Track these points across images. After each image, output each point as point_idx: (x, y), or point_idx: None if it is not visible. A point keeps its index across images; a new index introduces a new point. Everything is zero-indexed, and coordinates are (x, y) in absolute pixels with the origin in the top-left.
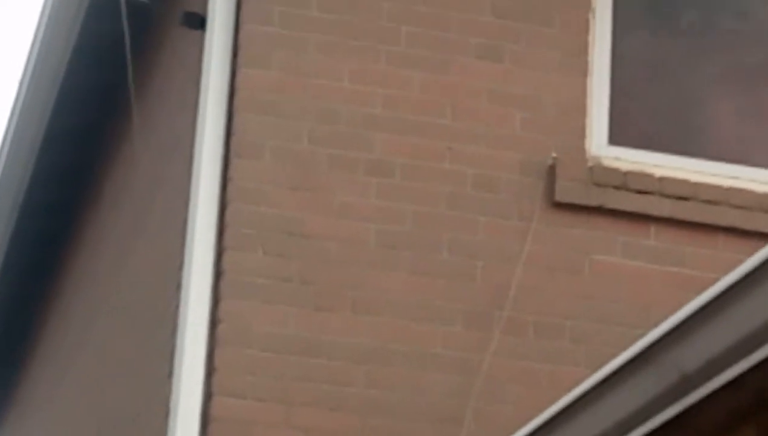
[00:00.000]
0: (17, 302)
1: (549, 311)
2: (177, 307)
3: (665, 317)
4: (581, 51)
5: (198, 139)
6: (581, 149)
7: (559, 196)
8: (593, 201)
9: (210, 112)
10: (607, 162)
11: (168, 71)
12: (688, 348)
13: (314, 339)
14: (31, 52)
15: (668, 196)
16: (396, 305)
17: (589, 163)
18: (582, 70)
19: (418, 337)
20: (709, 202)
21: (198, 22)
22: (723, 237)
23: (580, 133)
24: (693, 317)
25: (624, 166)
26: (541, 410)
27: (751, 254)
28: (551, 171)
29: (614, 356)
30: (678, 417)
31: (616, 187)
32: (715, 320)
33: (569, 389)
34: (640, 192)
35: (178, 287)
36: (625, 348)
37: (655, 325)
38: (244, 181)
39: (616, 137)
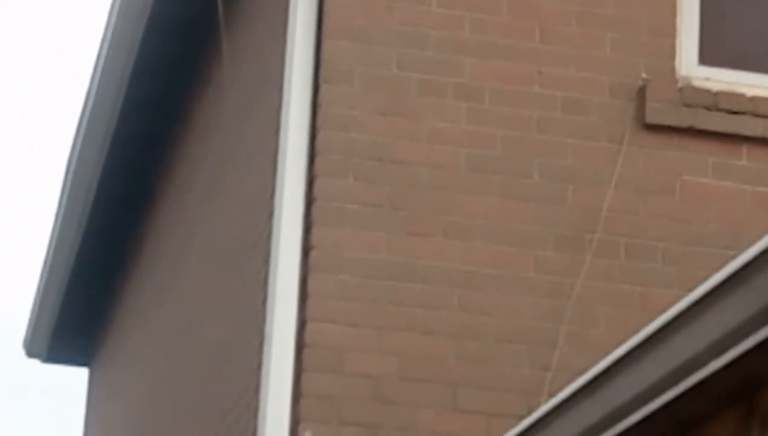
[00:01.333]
0: (110, 232)
1: (640, 233)
2: (269, 235)
3: (757, 238)
4: None
5: (287, 67)
6: (671, 70)
7: (650, 118)
8: (684, 122)
9: (298, 39)
10: (698, 82)
11: (256, 1)
12: None
13: (406, 264)
14: None
15: (760, 116)
16: (487, 230)
17: (680, 84)
18: None
19: (510, 261)
20: None
21: None
22: None
23: (670, 53)
24: None
25: (714, 87)
26: (633, 332)
27: None
28: (641, 93)
29: (706, 277)
30: None
31: (707, 108)
32: None
33: (661, 311)
34: (731, 112)
35: (270, 214)
36: (717, 269)
37: (747, 246)
38: (333, 107)
39: (706, 57)
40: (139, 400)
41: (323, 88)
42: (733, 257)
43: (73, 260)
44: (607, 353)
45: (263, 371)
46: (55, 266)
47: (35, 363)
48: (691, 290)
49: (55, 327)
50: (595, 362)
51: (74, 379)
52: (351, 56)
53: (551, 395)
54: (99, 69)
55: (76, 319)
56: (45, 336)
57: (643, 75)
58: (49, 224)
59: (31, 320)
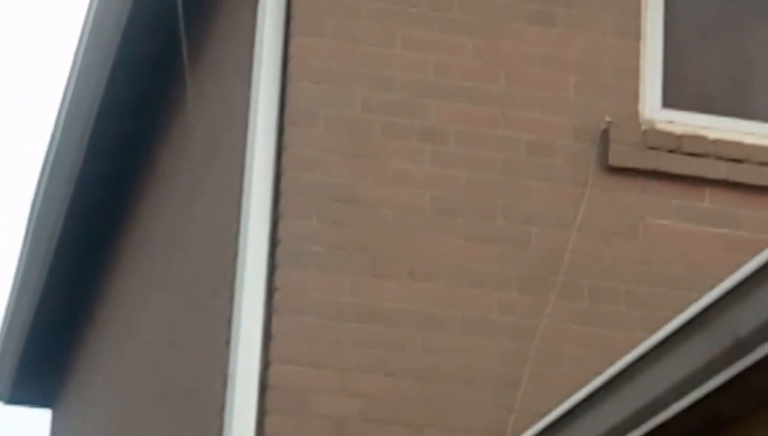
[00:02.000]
0: (75, 273)
1: (604, 275)
2: (233, 275)
3: (720, 280)
4: (634, 14)
5: (252, 107)
6: (635, 113)
7: (613, 161)
8: (647, 165)
9: (264, 80)
10: (661, 125)
11: (222, 40)
12: (743, 312)
13: (370, 306)
14: (85, 24)
15: (722, 159)
16: (452, 271)
17: (643, 127)
18: (635, 33)
19: (474, 302)
20: (763, 164)
21: None
22: None
23: (634, 96)
24: (747, 280)
25: (678, 130)
26: (596, 374)
27: None
28: (605, 135)
29: (669, 319)
30: (732, 381)
31: (670, 151)
32: None
33: (624, 353)
34: (694, 155)
35: (234, 255)
36: (680, 311)
37: (710, 288)
38: (298, 149)
39: (669, 100)
40: None
41: (288, 129)
42: (696, 298)
43: (36, 301)
44: (570, 394)
45: (227, 412)
46: (19, 306)
47: None
48: (653, 331)
49: (18, 368)
50: (559, 404)
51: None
52: (316, 98)
53: None
54: (64, 108)
55: (40, 360)
56: (8, 377)
57: (607, 118)
58: (12, 265)
59: None
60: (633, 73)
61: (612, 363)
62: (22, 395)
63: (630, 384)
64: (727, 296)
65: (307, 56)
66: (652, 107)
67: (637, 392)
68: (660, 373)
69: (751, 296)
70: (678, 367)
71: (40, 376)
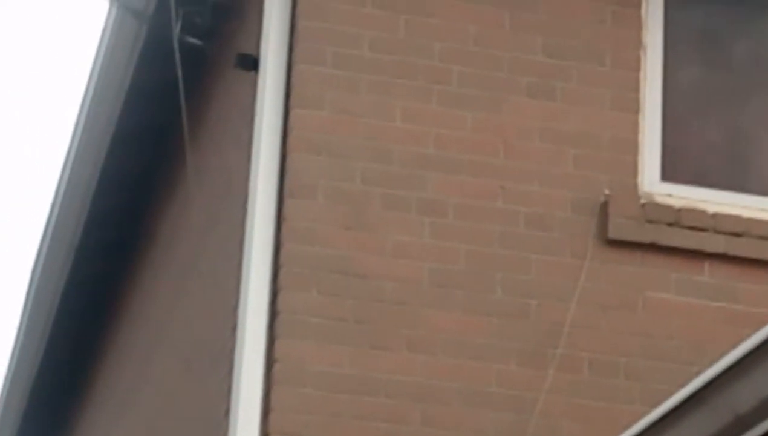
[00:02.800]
0: (74, 342)
1: (603, 348)
2: (233, 347)
3: (719, 354)
4: (632, 88)
5: (252, 179)
6: (634, 186)
7: (612, 234)
8: (646, 238)
9: (263, 152)
10: (660, 199)
11: (221, 113)
12: (742, 389)
13: (369, 378)
14: (85, 95)
15: (721, 233)
16: (450, 344)
17: (642, 200)
18: (633, 107)
19: (473, 375)
20: (762, 238)
21: (251, 63)
22: None
23: (633, 170)
24: (747, 357)
25: (677, 203)
26: None
27: None
28: (604, 208)
29: (669, 393)
30: None
31: (669, 224)
32: None
33: (624, 426)
34: (693, 229)
35: (233, 327)
36: (679, 385)
37: (710, 362)
38: (297, 221)
39: (668, 174)
40: None
41: (287, 201)
42: (696, 373)
43: (35, 370)
44: None
45: None
46: (18, 376)
47: None
48: (653, 405)
49: (18, 434)
50: None
51: None
52: (315, 170)
53: None
54: (64, 180)
55: (39, 427)
56: None
57: (606, 191)
58: (11, 336)
59: None
60: (632, 146)
61: None
62: None
63: None
64: (727, 372)
65: (306, 128)
66: (650, 180)
67: None
68: None
69: (751, 373)
70: None
71: None
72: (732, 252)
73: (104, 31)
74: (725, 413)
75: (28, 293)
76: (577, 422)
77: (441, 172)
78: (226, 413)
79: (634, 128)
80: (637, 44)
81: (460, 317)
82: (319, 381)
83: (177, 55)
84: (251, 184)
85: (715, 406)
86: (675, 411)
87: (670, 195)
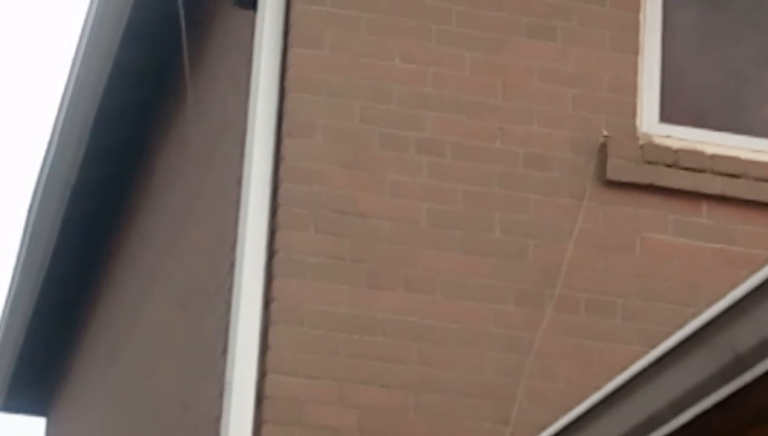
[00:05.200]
0: (70, 282)
1: (600, 289)
2: (230, 285)
3: (716, 295)
4: (632, 29)
5: (250, 118)
6: (632, 127)
7: (611, 175)
8: (644, 179)
9: (262, 91)
10: (658, 140)
11: (220, 51)
12: (742, 328)
13: (367, 317)
14: (83, 32)
15: (719, 174)
16: (448, 284)
17: (640, 141)
18: (633, 48)
19: (470, 315)
20: (760, 179)
21: (250, 1)
22: None
23: (631, 111)
24: (747, 296)
25: (675, 144)
26: (592, 388)
27: None
28: (602, 149)
29: (665, 333)
30: (732, 397)
31: (668, 165)
32: None
33: (620, 367)
34: (691, 170)
35: (231, 265)
36: (676, 326)
37: (707, 303)
38: (296, 160)
39: (667, 115)
40: None
41: (286, 140)
42: (693, 314)
43: (31, 310)
44: (566, 408)
45: (223, 422)
46: (13, 316)
47: None
48: (650, 345)
49: (12, 377)
50: (555, 418)
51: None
52: (314, 109)
53: None
54: (60, 117)
55: (34, 369)
56: (2, 386)
57: (605, 132)
58: (8, 274)
59: None
60: (631, 87)
61: (607, 377)
62: (17, 403)
63: (628, 400)
64: (727, 312)
65: (304, 68)
66: (649, 122)
67: (636, 408)
68: (659, 389)
69: (751, 313)
70: (677, 383)
71: (35, 384)
72: (730, 193)
73: None
74: (725, 353)
75: (24, 231)
76: (574, 362)
77: (440, 112)
78: (224, 351)
79: (634, 69)
80: None
81: (458, 257)
82: (316, 320)
83: None
84: (249, 123)
85: (715, 345)
86: (675, 350)
87: (668, 136)
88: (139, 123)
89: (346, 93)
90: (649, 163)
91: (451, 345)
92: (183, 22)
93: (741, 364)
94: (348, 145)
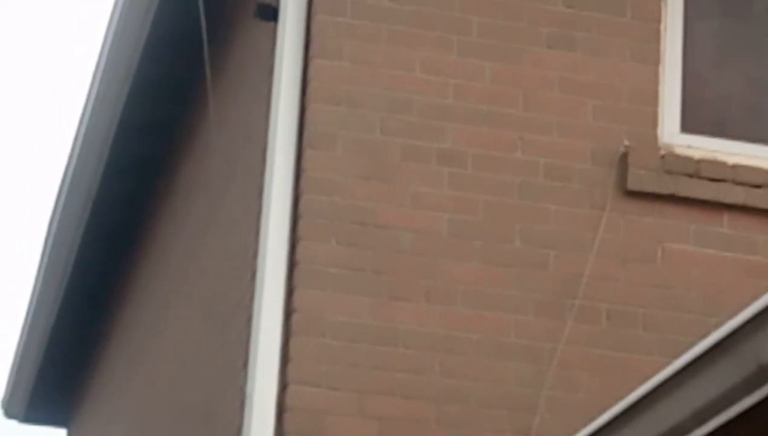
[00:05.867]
0: (91, 292)
1: (621, 299)
2: (251, 297)
3: (738, 305)
4: (653, 39)
5: (271, 130)
6: (653, 137)
7: (632, 185)
8: (665, 189)
9: (283, 103)
10: (680, 150)
11: (241, 63)
12: (766, 338)
13: (388, 328)
14: (104, 45)
15: (741, 184)
16: (469, 294)
17: (662, 152)
18: (654, 58)
19: (491, 326)
20: None
21: (271, 13)
22: None
23: (652, 121)
24: None
25: (696, 154)
26: (613, 398)
27: None
28: (623, 159)
29: (687, 344)
30: (755, 407)
31: (689, 175)
32: None
33: (642, 377)
34: (712, 180)
35: (252, 277)
36: (697, 336)
37: (728, 313)
38: (316, 171)
39: (688, 125)
40: None
41: (306, 152)
42: (715, 324)
43: (53, 321)
44: (587, 420)
45: (244, 433)
46: (35, 326)
47: (13, 424)
48: (671, 356)
49: (33, 388)
50: (576, 429)
51: None
52: (335, 120)
53: None
54: (83, 129)
55: (55, 379)
56: (23, 396)
57: (626, 142)
58: (29, 285)
59: (9, 380)
60: (652, 97)
61: (629, 387)
62: (38, 414)
63: (650, 410)
64: (751, 322)
65: (325, 79)
66: (670, 132)
67: (659, 418)
68: (682, 399)
69: None
70: (700, 393)
71: (56, 395)
72: (751, 203)
73: None
74: (749, 363)
75: (45, 243)
76: (595, 373)
77: (460, 123)
78: (245, 363)
79: (654, 79)
80: None
81: (479, 268)
82: (337, 331)
83: (200, 4)
84: (270, 135)
85: (739, 355)
86: (698, 360)
87: (689, 146)
88: (160, 135)
89: (366, 104)
90: (670, 173)
91: (471, 356)
92: (204, 35)
93: (764, 374)
94: (369, 156)
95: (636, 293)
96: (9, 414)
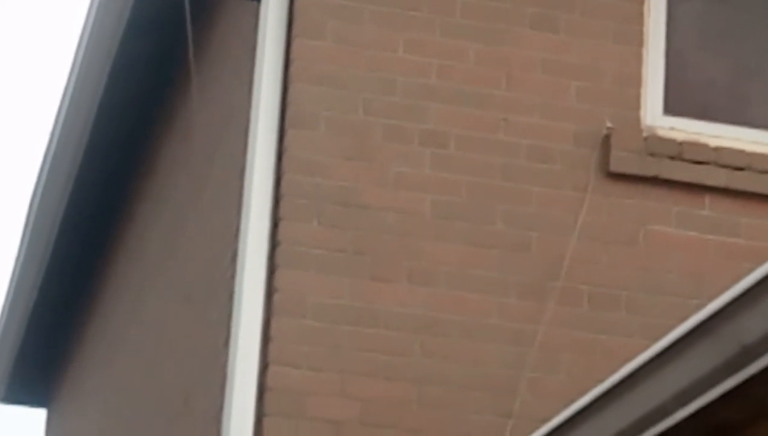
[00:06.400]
0: (71, 273)
1: (603, 281)
2: (233, 276)
3: (720, 288)
4: (636, 20)
5: (253, 110)
6: (636, 119)
7: (614, 167)
8: (648, 171)
9: (265, 82)
10: (662, 132)
11: (223, 42)
12: (748, 319)
13: (369, 309)
14: (86, 23)
15: (723, 167)
16: (451, 276)
17: (644, 134)
18: (637, 40)
19: (473, 307)
20: (764, 172)
21: None
22: None
23: (635, 103)
24: (753, 288)
25: (679, 137)
26: (595, 380)
27: None
28: (606, 141)
29: (669, 326)
30: (737, 388)
31: (671, 158)
32: None
33: (623, 359)
34: (695, 162)
35: (233, 256)
36: (679, 318)
37: (710, 295)
38: (299, 151)
39: (671, 107)
40: None
41: (289, 132)
42: (696, 306)
43: (32, 301)
44: (568, 401)
45: (224, 413)
46: (15, 306)
47: None
48: (653, 338)
49: (13, 368)
50: (557, 410)
51: (32, 420)
52: (317, 100)
53: None
54: (64, 108)
55: (36, 360)
56: (3, 377)
57: (608, 124)
58: (9, 265)
59: None
60: (635, 79)
61: (610, 369)
62: (17, 394)
63: (632, 392)
64: (733, 303)
65: (308, 59)
66: (653, 114)
67: (640, 400)
68: (663, 380)
69: (757, 304)
70: (682, 374)
71: (36, 375)
72: (733, 186)
73: None
74: (731, 344)
75: (26, 224)
76: (577, 354)
77: (443, 104)
78: (226, 342)
79: (638, 61)
80: None
81: (461, 249)
82: (319, 312)
83: None
84: (252, 115)
85: (721, 336)
86: (680, 342)
87: (672, 128)
88: (141, 115)
89: (349, 84)
90: (653, 155)
91: (453, 338)
92: (188, 13)
93: (747, 355)
94: (351, 136)
95: (618, 275)
96: None
